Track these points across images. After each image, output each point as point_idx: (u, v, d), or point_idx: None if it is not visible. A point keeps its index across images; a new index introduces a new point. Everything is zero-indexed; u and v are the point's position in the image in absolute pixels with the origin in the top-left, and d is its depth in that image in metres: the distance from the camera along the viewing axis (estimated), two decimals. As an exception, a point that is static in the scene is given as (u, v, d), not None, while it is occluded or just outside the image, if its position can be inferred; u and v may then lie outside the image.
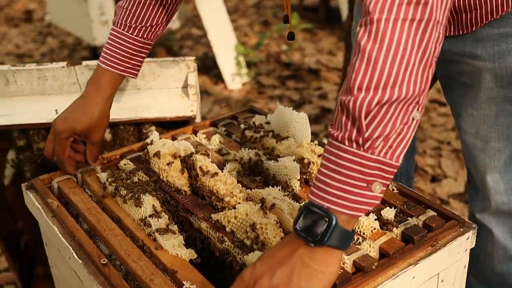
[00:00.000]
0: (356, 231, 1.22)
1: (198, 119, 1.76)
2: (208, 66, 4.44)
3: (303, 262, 0.96)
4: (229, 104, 3.96)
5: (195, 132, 1.67)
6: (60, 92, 1.86)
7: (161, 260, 1.19)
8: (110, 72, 1.51)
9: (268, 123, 1.58)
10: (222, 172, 1.39)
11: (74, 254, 1.24)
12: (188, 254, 1.20)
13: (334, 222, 0.94)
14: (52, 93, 1.86)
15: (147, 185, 1.39)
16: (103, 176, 1.44)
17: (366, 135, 0.93)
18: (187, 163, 1.43)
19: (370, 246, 1.18)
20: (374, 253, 1.18)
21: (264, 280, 0.96)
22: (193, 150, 1.47)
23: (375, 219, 1.23)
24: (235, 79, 4.20)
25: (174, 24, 4.12)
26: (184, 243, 1.24)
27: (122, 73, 1.52)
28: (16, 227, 2.18)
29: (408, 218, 1.26)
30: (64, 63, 1.81)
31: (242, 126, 1.61)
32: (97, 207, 1.37)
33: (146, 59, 1.82)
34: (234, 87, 4.18)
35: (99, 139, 1.51)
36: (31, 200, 1.44)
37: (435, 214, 1.28)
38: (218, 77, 4.29)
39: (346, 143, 0.94)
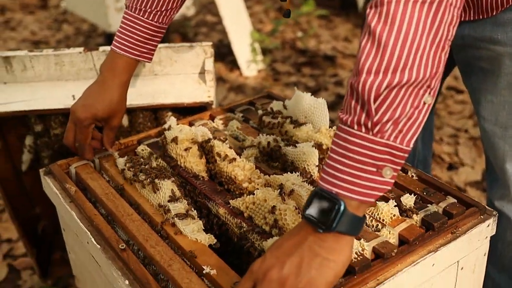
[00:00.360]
0: (375, 217, 1.21)
1: (215, 105, 1.75)
2: (223, 53, 4.42)
3: (313, 251, 0.95)
4: (244, 91, 3.94)
5: (212, 118, 1.66)
6: (77, 77, 1.85)
7: (181, 245, 1.19)
8: (125, 57, 1.50)
9: (286, 108, 1.56)
10: (240, 158, 1.39)
11: (93, 239, 1.24)
12: (208, 239, 1.20)
13: (342, 208, 0.93)
14: (69, 79, 1.86)
15: (166, 170, 1.38)
16: (121, 161, 1.44)
17: (375, 119, 0.92)
18: (205, 149, 1.42)
19: (389, 233, 1.17)
20: (393, 240, 1.17)
21: (274, 272, 0.95)
22: (210, 136, 1.46)
23: (395, 206, 1.22)
24: (250, 66, 4.18)
25: (189, 10, 4.11)
26: (203, 228, 1.24)
27: (137, 57, 1.51)
28: (34, 212, 2.19)
29: (428, 205, 1.25)
30: (81, 49, 1.81)
31: (260, 112, 1.60)
32: (114, 193, 1.37)
33: (163, 45, 1.81)
34: (249, 74, 4.17)
35: (117, 124, 1.51)
36: (49, 186, 1.45)
37: (455, 201, 1.27)
38: (233, 64, 4.27)
39: (355, 127, 0.93)
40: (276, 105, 1.59)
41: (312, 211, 0.95)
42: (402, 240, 1.17)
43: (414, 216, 1.21)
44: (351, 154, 0.93)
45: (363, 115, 0.92)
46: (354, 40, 4.65)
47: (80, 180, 1.45)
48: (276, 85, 4.01)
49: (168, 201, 1.28)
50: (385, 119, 0.92)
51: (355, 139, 0.93)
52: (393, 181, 0.95)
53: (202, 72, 1.84)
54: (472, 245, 1.23)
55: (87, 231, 1.27)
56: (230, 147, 1.42)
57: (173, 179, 1.34)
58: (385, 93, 0.91)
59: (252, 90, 3.94)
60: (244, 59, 4.18)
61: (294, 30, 4.92)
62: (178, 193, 1.30)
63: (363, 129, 0.93)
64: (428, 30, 0.91)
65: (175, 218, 1.24)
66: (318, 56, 4.43)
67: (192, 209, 1.28)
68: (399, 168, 0.96)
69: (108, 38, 4.47)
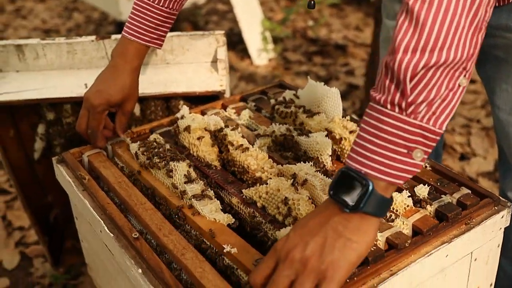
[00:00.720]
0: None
1: (227, 94, 1.75)
2: (234, 42, 4.41)
3: (337, 231, 0.94)
4: (255, 80, 3.93)
5: (224, 107, 1.66)
6: (89, 66, 1.86)
7: (199, 226, 1.20)
8: (136, 42, 1.50)
9: (298, 98, 1.56)
10: (252, 147, 1.38)
11: (106, 228, 1.25)
12: (226, 218, 1.21)
13: (370, 188, 0.92)
14: (81, 67, 1.86)
15: (180, 152, 1.38)
16: (134, 146, 1.44)
17: (410, 99, 0.90)
18: (217, 138, 1.42)
19: (403, 224, 1.17)
20: (407, 231, 1.16)
21: (296, 252, 0.94)
22: (223, 125, 1.46)
23: (408, 196, 1.22)
24: (261, 54, 4.17)
25: (200, -1, 4.10)
26: (221, 208, 1.25)
27: (148, 43, 1.51)
28: (46, 201, 2.20)
29: (442, 196, 1.24)
30: (93, 37, 1.81)
31: (272, 101, 1.59)
32: (127, 181, 1.37)
33: (175, 33, 1.81)
34: (260, 62, 4.16)
35: (130, 109, 1.52)
36: (62, 174, 1.45)
37: (469, 192, 1.26)
38: (244, 53, 4.27)
39: (388, 106, 0.92)
40: (288, 95, 1.59)
41: (339, 190, 0.94)
42: (416, 231, 1.17)
43: (428, 206, 1.21)
44: (382, 134, 0.92)
45: (398, 95, 0.91)
46: (365, 29, 4.62)
47: (92, 169, 1.45)
48: (287, 74, 4.00)
49: (184, 182, 1.28)
50: (419, 100, 0.91)
51: (387, 119, 0.92)
52: (423, 164, 0.94)
53: (214, 61, 1.84)
54: (486, 236, 1.23)
55: (100, 219, 1.27)
56: (243, 136, 1.42)
57: (187, 161, 1.34)
58: (421, 73, 0.89)
59: (263, 79, 3.93)
60: (255, 47, 4.17)
61: (305, 19, 4.90)
62: (193, 175, 1.31)
63: (397, 109, 0.91)
64: (467, 10, 0.89)
65: (192, 199, 1.24)
66: (329, 45, 4.41)
67: (209, 189, 1.28)
68: (430, 151, 0.94)
69: (119, 26, 4.47)
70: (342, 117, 1.45)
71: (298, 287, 0.93)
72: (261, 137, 1.44)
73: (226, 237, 1.16)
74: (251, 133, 1.49)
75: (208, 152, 1.41)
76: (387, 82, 0.92)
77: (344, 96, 3.64)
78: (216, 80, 1.76)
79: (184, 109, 1.52)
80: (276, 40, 4.38)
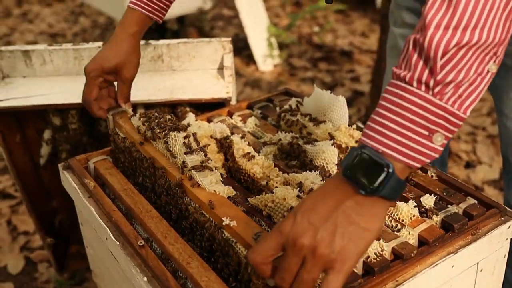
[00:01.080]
0: (395, 218, 1.20)
1: (233, 101, 1.75)
2: (239, 47, 4.42)
3: (349, 218, 0.90)
4: (260, 86, 3.94)
5: (230, 115, 1.66)
6: (96, 72, 1.86)
7: (199, 198, 1.18)
8: (137, 11, 1.50)
9: (302, 105, 1.56)
10: (258, 155, 1.38)
11: (111, 235, 1.25)
12: (227, 190, 1.20)
13: (391, 170, 0.87)
14: (88, 74, 1.86)
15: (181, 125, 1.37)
16: (136, 118, 1.42)
17: (439, 77, 0.87)
18: (224, 146, 1.42)
19: (409, 234, 1.17)
20: (413, 241, 1.16)
21: (305, 239, 0.89)
22: (229, 132, 1.46)
23: (414, 206, 1.21)
24: (266, 60, 4.18)
25: (206, 4, 4.10)
26: (222, 179, 1.23)
27: (149, 14, 1.51)
28: (51, 206, 2.20)
29: (448, 206, 1.24)
30: (100, 43, 1.82)
31: (278, 109, 1.59)
32: (133, 188, 1.37)
33: (182, 40, 1.82)
34: (265, 68, 4.16)
35: (129, 76, 1.49)
36: (68, 180, 1.45)
37: (476, 202, 1.26)
38: (249, 59, 4.27)
39: (414, 84, 0.89)
40: (294, 102, 1.59)
41: (356, 170, 0.89)
42: (422, 241, 1.16)
43: (434, 217, 1.21)
44: (404, 113, 0.88)
45: (426, 72, 0.88)
46: (371, 36, 4.63)
47: (98, 175, 1.46)
48: (292, 80, 4.01)
49: (184, 153, 1.25)
50: (448, 79, 0.88)
51: (412, 97, 0.89)
52: (441, 149, 0.91)
53: (220, 68, 1.84)
54: (492, 247, 1.22)
55: (105, 227, 1.27)
56: (249, 144, 1.42)
57: (189, 131, 1.32)
58: (452, 51, 0.87)
59: (268, 85, 3.94)
60: (261, 53, 4.17)
61: (311, 25, 4.90)
62: (194, 145, 1.27)
63: (423, 88, 0.88)
64: None
65: (192, 171, 1.21)
66: (335, 51, 4.41)
67: (210, 160, 1.26)
68: (451, 136, 0.92)
69: (125, 31, 4.47)
70: (348, 125, 1.45)
71: (305, 275, 0.91)
72: (267, 145, 1.44)
73: (225, 209, 1.13)
74: (257, 141, 1.49)
75: (214, 159, 1.41)
76: (414, 59, 0.89)
77: (349, 102, 3.64)
78: (222, 87, 1.76)
79: (190, 116, 1.52)
80: (281, 46, 4.38)
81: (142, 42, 1.84)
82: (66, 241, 2.37)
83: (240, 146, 1.38)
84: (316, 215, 0.91)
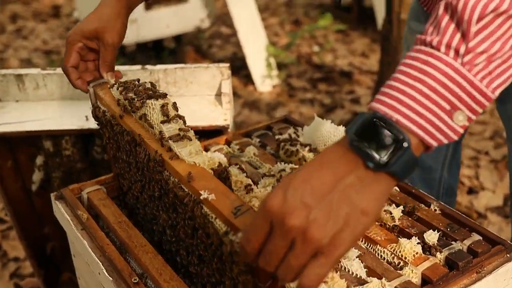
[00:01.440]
0: (397, 255, 1.19)
1: (231, 128, 1.74)
2: (237, 67, 4.42)
3: (348, 198, 0.80)
4: (258, 107, 3.94)
5: (228, 143, 1.65)
6: (91, 97, 1.85)
7: (177, 171, 1.09)
8: None
9: (301, 134, 1.55)
10: (257, 187, 1.37)
11: (104, 271, 1.23)
12: (208, 161, 1.11)
13: (407, 142, 0.79)
14: (83, 98, 1.86)
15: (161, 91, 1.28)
16: (115, 89, 1.33)
17: (471, 44, 0.82)
18: (221, 177, 1.41)
19: (412, 272, 1.15)
20: (416, 280, 1.15)
21: (295, 220, 0.79)
22: (226, 163, 1.44)
23: (418, 243, 1.20)
24: (265, 81, 4.18)
25: (204, 23, 4.11)
26: (202, 149, 1.14)
27: None
28: (43, 232, 2.18)
29: (452, 242, 1.23)
30: (95, 68, 1.81)
31: (278, 137, 1.59)
32: (127, 221, 1.36)
33: (179, 65, 1.81)
34: (264, 89, 4.16)
35: (112, 42, 1.38)
36: (60, 211, 1.44)
37: (481, 238, 1.24)
38: (247, 79, 4.28)
39: (442, 49, 0.82)
40: (294, 131, 1.58)
41: (364, 139, 0.80)
42: (425, 280, 1.15)
43: (438, 254, 1.19)
44: (427, 79, 0.81)
45: (457, 37, 0.82)
46: (371, 56, 4.64)
47: (92, 207, 1.44)
48: (291, 101, 4.00)
49: (161, 122, 1.17)
50: (480, 48, 0.82)
51: (437, 62, 0.82)
52: (461, 131, 0.84)
53: (218, 94, 1.84)
54: (498, 285, 1.21)
55: (99, 261, 1.26)
56: (247, 175, 1.41)
57: (168, 98, 1.23)
58: (489, 17, 0.82)
59: (267, 106, 3.93)
60: (259, 74, 4.18)
61: (310, 44, 4.92)
62: (172, 112, 1.19)
63: (451, 53, 0.82)
64: None
65: (169, 141, 1.13)
66: (335, 72, 4.42)
67: (189, 129, 1.16)
68: (473, 118, 0.85)
69: (121, 50, 4.49)
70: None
71: (292, 260, 0.81)
72: (266, 177, 1.43)
73: (205, 183, 1.04)
74: (255, 171, 1.48)
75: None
76: (445, 22, 0.83)
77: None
78: (220, 114, 1.75)
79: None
80: (280, 66, 4.39)
81: (137, 67, 1.84)
82: (57, 269, 2.34)
83: (238, 178, 1.37)
84: (309, 192, 0.80)
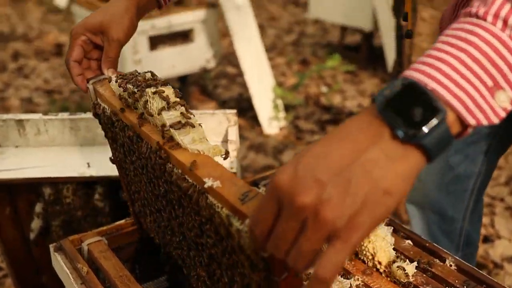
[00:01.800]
0: (412, 315, 1.17)
1: (238, 176, 1.74)
2: (243, 108, 4.44)
3: (369, 174, 0.72)
4: (265, 150, 3.93)
5: (234, 192, 1.64)
6: (93, 143, 1.86)
7: (179, 160, 1.03)
8: None
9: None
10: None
11: (104, 329, 1.21)
12: (213, 149, 1.05)
13: (444, 114, 0.73)
14: (85, 144, 1.86)
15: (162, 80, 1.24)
16: (114, 83, 1.30)
17: None
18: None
19: (427, 334, 1.13)
20: None
21: (307, 198, 0.71)
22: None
23: (433, 302, 1.18)
24: (272, 123, 4.19)
25: (209, 63, 4.15)
26: (205, 137, 1.09)
27: None
28: (41, 281, 2.16)
29: (469, 302, 1.21)
30: (98, 114, 1.81)
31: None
32: (129, 275, 1.34)
33: (184, 111, 1.81)
34: (270, 131, 4.17)
35: (117, 37, 1.36)
36: (59, 263, 1.43)
37: (499, 296, 1.22)
38: (254, 120, 4.28)
39: (489, 18, 0.77)
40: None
41: (397, 104, 0.73)
42: None
43: (454, 314, 1.17)
44: (471, 49, 0.76)
45: (507, 6, 0.76)
46: (381, 97, 4.65)
47: (92, 259, 1.43)
48: (299, 144, 4.00)
49: (160, 109, 1.12)
50: None
51: (483, 32, 0.77)
52: (503, 115, 0.77)
53: (225, 141, 1.84)
54: None
55: (98, 319, 1.24)
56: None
57: (169, 86, 1.19)
58: None
59: (274, 149, 3.93)
60: (266, 115, 4.19)
61: (318, 84, 4.94)
62: (172, 98, 1.14)
63: (499, 24, 0.77)
64: None
65: (170, 129, 1.08)
66: (343, 113, 4.43)
67: (192, 115, 1.11)
68: None
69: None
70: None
71: (304, 244, 0.73)
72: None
73: (209, 170, 0.98)
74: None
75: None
76: None
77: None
78: (226, 162, 1.74)
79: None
80: (287, 107, 4.40)
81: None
82: (55, 320, 2.32)
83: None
84: (324, 166, 0.72)
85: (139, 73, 1.27)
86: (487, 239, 2.96)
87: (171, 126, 1.08)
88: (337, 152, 0.73)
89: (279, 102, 4.25)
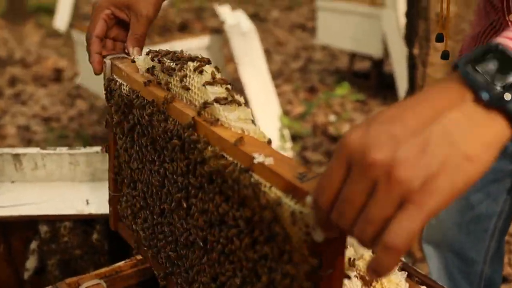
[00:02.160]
0: None
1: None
2: (248, 137, 4.42)
3: (451, 139, 0.67)
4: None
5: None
6: (93, 179, 1.84)
7: (220, 136, 0.96)
8: None
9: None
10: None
11: None
12: (259, 132, 0.97)
13: None
14: (84, 180, 1.84)
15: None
16: (141, 58, 1.22)
17: None
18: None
19: None
20: None
21: (379, 154, 0.66)
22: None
23: None
24: (278, 153, 4.17)
25: (214, 91, 4.14)
26: (253, 118, 1.01)
27: None
28: (35, 324, 2.13)
29: None
30: (98, 148, 1.80)
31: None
32: (130, 323, 1.31)
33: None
34: (277, 162, 4.14)
35: (146, 13, 1.29)
36: (56, 309, 1.39)
37: None
38: (259, 150, 4.26)
39: None
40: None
41: (482, 65, 0.69)
42: None
43: None
44: None
45: None
46: (392, 127, 4.63)
47: (90, 304, 1.40)
48: (306, 175, 3.98)
49: (206, 83, 1.04)
50: None
51: None
52: None
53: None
54: None
55: None
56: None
57: (211, 65, 1.11)
58: None
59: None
60: (272, 146, 4.17)
61: (326, 113, 4.93)
62: (218, 76, 1.06)
63: None
64: None
65: (215, 104, 0.99)
66: (353, 144, 4.41)
67: (238, 95, 1.03)
68: None
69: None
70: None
71: (373, 208, 0.67)
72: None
73: (255, 148, 0.90)
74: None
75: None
76: None
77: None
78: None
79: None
80: (294, 137, 4.39)
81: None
82: None
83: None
84: (401, 124, 0.68)
85: (170, 51, 1.19)
86: (504, 279, 2.91)
87: (215, 100, 1.00)
88: (415, 113, 0.68)
89: (286, 132, 4.24)
